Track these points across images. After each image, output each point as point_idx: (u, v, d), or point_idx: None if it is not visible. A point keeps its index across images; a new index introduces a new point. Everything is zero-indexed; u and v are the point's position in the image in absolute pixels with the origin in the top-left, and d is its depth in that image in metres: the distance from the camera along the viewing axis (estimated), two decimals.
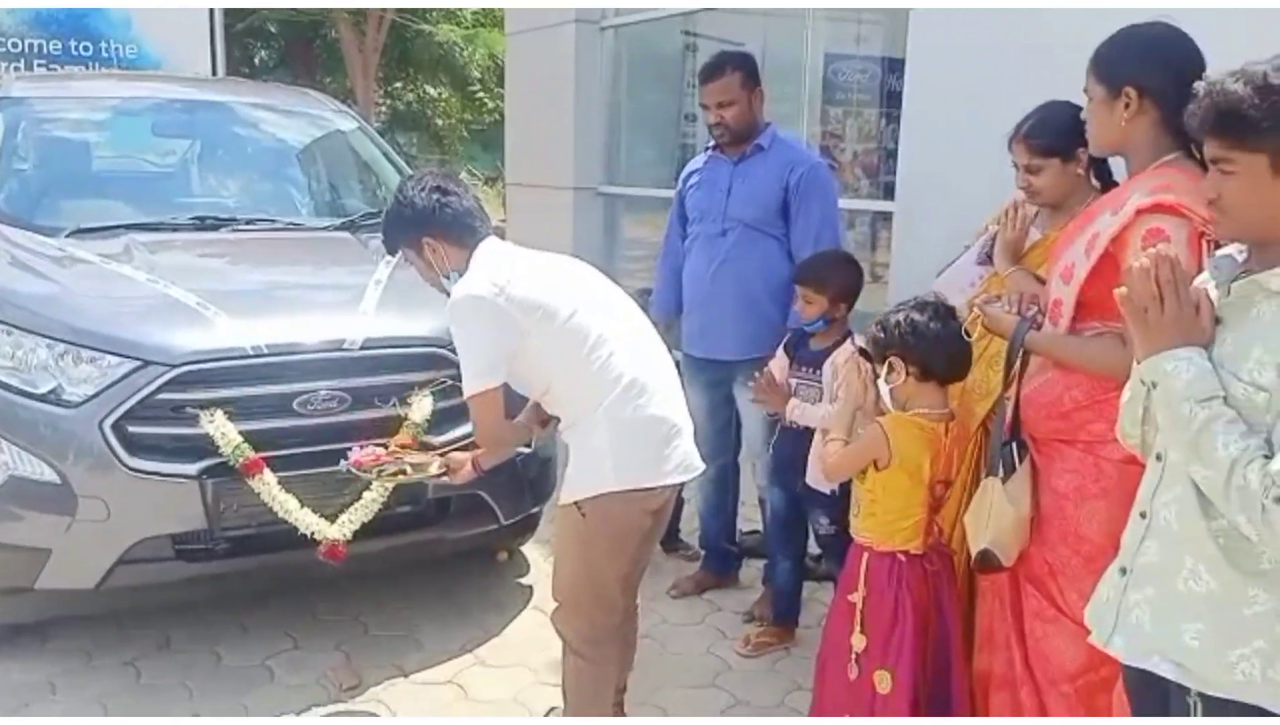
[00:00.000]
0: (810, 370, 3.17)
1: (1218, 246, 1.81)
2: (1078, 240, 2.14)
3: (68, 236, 3.53)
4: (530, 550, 4.10)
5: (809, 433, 3.11)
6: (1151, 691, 1.69)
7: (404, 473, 2.89)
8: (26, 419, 2.86)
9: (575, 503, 2.44)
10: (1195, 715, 1.59)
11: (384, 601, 3.66)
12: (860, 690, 2.40)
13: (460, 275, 2.50)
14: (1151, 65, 2.07)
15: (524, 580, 3.95)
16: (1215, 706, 1.57)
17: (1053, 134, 2.54)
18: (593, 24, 8.68)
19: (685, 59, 8.81)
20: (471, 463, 2.79)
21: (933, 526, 2.44)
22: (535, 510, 3.71)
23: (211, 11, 9.20)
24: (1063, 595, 2.17)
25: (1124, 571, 1.72)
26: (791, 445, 3.21)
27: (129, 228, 3.65)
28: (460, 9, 18.98)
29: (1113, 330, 2.08)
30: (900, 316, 2.45)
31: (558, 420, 2.58)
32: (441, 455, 2.90)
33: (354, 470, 2.83)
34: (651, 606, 3.70)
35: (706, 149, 3.76)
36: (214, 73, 9.08)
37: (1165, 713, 1.67)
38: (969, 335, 2.41)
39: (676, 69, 8.89)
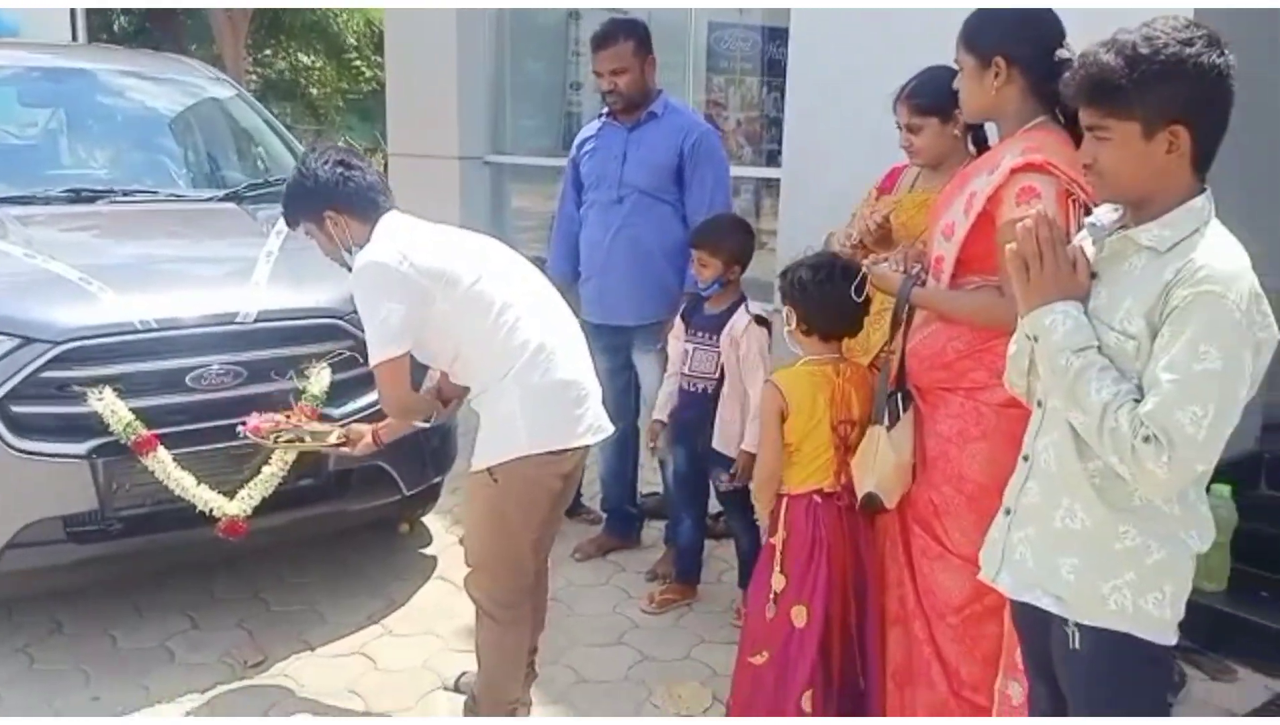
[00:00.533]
0: (707, 334, 3.26)
1: (1086, 206, 1.96)
2: (956, 200, 2.26)
3: None
4: (431, 521, 4.10)
5: (710, 395, 3.22)
6: (1036, 623, 1.83)
7: (302, 441, 2.88)
8: None
9: (487, 468, 2.47)
10: (1073, 643, 1.73)
11: (284, 577, 3.62)
12: (777, 626, 2.51)
13: (360, 248, 2.49)
14: (1018, 36, 2.21)
15: (427, 551, 3.95)
16: (1091, 635, 1.71)
17: (933, 95, 2.69)
18: None
19: (569, 27, 8.79)
20: (372, 435, 2.80)
21: (844, 466, 2.54)
22: (437, 480, 3.71)
23: None
24: (947, 534, 2.31)
25: (1008, 512, 1.85)
26: (692, 407, 3.31)
27: None
28: None
29: (991, 284, 2.22)
30: (797, 272, 2.57)
31: (459, 401, 2.61)
32: (342, 426, 2.89)
33: (252, 437, 2.81)
34: (557, 570, 3.74)
35: (600, 116, 3.79)
36: (74, 39, 8.66)
37: (1048, 643, 1.81)
38: (859, 294, 2.52)
39: (561, 37, 8.86)
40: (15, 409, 2.77)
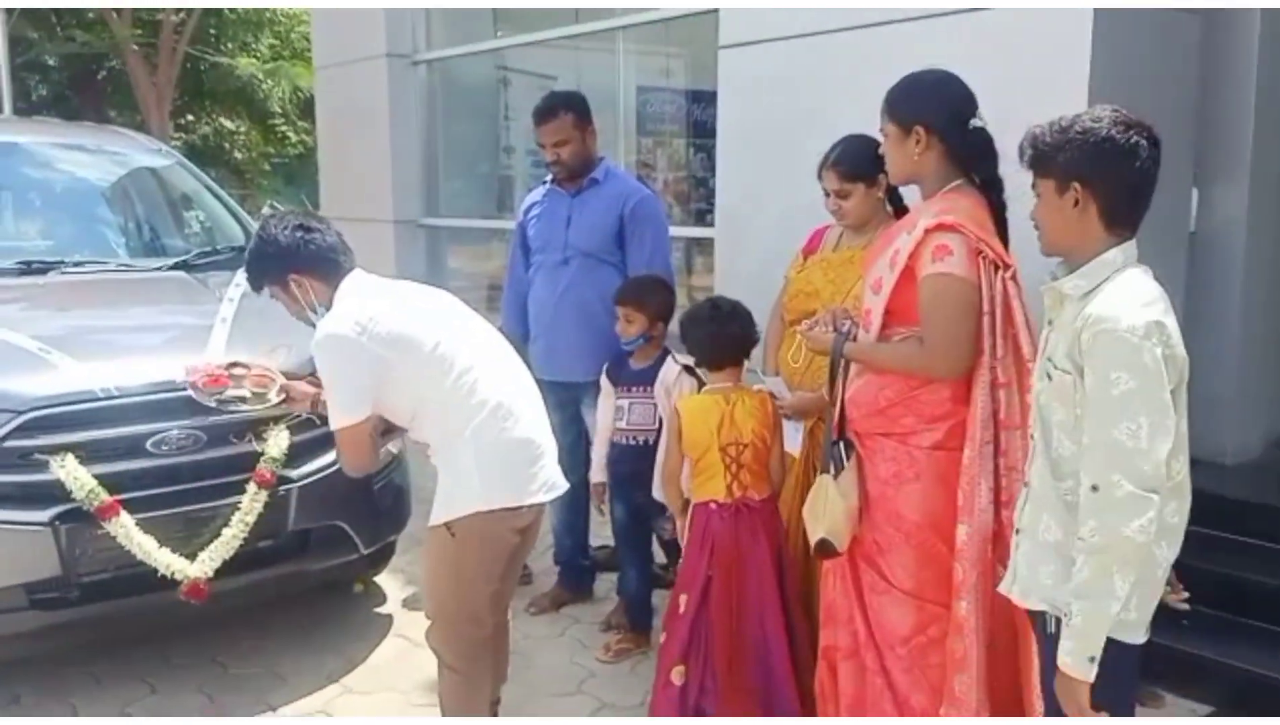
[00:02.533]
0: (640, 388, 3.45)
1: (995, 262, 2.21)
2: (882, 257, 2.47)
3: None
4: (385, 579, 4.15)
5: (649, 447, 3.37)
6: (1038, 625, 2.05)
7: (243, 399, 2.96)
8: None
9: (445, 523, 2.55)
10: (1050, 628, 1.94)
11: (240, 639, 3.63)
12: (672, 614, 2.95)
13: (327, 309, 2.58)
14: (936, 106, 2.44)
15: (382, 609, 3.99)
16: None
17: (857, 163, 2.92)
18: (404, 58, 8.73)
19: (500, 92, 8.99)
20: (313, 402, 2.87)
21: (736, 483, 2.90)
22: (392, 539, 3.78)
23: None
24: (891, 570, 2.47)
25: (1018, 531, 2.07)
26: (628, 461, 3.47)
27: None
28: (257, 38, 18.48)
29: (914, 335, 2.41)
30: (685, 320, 3.03)
31: (402, 429, 2.69)
32: (281, 386, 2.98)
33: (193, 393, 2.86)
34: (513, 623, 3.82)
35: (544, 182, 3.95)
36: (0, 110, 8.60)
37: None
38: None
39: (492, 102, 9.05)
40: None
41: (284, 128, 19.43)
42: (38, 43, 16.79)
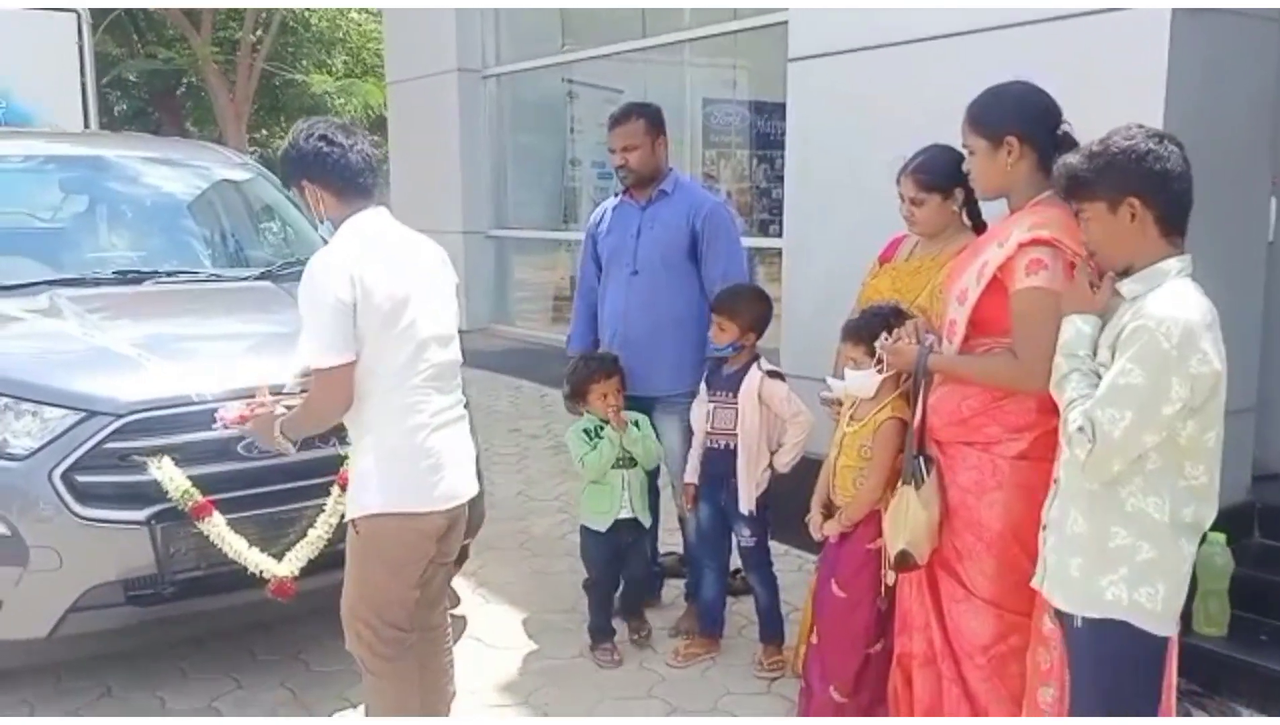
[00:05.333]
0: (726, 393, 3.46)
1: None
2: (970, 268, 2.47)
3: None
4: (459, 583, 4.23)
5: (732, 451, 3.40)
6: (1066, 625, 2.11)
7: None
8: None
9: (351, 520, 2.58)
10: (1076, 624, 2.03)
11: (322, 638, 3.72)
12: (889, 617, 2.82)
13: (335, 226, 2.58)
14: (1025, 116, 2.46)
15: (456, 611, 4.07)
16: (1093, 626, 2.02)
17: (936, 173, 2.93)
18: (474, 73, 8.90)
19: (566, 105, 9.11)
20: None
21: None
22: (467, 542, 3.84)
23: (82, 62, 9.04)
24: (970, 578, 2.48)
25: (1044, 527, 2.13)
26: (715, 464, 3.48)
27: (51, 284, 3.67)
28: (330, 55, 18.92)
29: (1001, 346, 2.42)
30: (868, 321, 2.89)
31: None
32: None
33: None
34: (582, 628, 3.89)
35: (615, 194, 4.02)
36: (85, 125, 8.92)
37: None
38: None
39: (559, 115, 9.18)
40: (80, 478, 2.93)
41: None
42: (120, 60, 17.37)
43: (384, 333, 2.46)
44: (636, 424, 3.62)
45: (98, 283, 3.79)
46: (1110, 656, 2.01)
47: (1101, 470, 1.96)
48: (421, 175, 9.36)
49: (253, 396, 2.76)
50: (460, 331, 2.78)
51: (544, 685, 3.49)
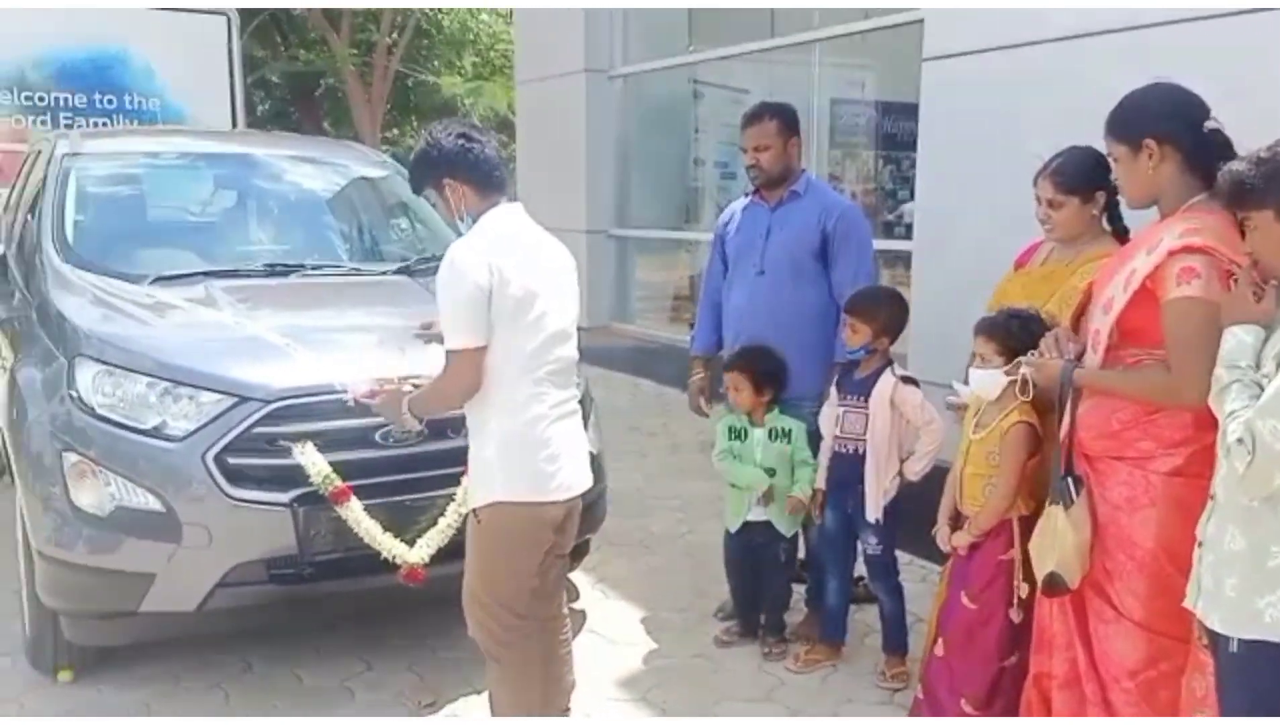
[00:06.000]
0: (856, 397, 3.41)
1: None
2: (1117, 276, 2.38)
3: (151, 283, 3.75)
4: (579, 578, 4.29)
5: (861, 456, 3.36)
6: (1220, 647, 2.01)
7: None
8: (131, 453, 3.06)
9: (473, 509, 2.65)
10: (1231, 647, 1.94)
11: (449, 626, 3.80)
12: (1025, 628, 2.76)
13: (473, 221, 2.67)
14: (1163, 116, 2.36)
15: (576, 605, 4.12)
16: (1249, 648, 1.92)
17: (1075, 175, 2.84)
18: (601, 73, 8.98)
19: (692, 105, 9.13)
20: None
21: None
22: (588, 536, 3.90)
23: (231, 63, 9.48)
24: (1120, 598, 2.38)
25: (1199, 545, 2.04)
26: (843, 469, 3.44)
27: (206, 275, 3.87)
28: (460, 57, 19.41)
29: (1154, 357, 2.32)
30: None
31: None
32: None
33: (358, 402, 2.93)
34: (700, 627, 3.90)
35: (746, 194, 4.01)
36: (234, 124, 9.35)
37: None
38: (1024, 393, 2.69)
39: (684, 115, 9.21)
40: (231, 460, 3.07)
41: None
42: (265, 61, 18.17)
43: (515, 323, 2.54)
44: (787, 436, 3.59)
45: (248, 275, 3.97)
46: (1267, 680, 1.91)
47: (1261, 484, 1.86)
48: (547, 174, 9.51)
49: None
50: (580, 329, 2.83)
51: (662, 683, 3.50)
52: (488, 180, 2.68)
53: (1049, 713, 2.54)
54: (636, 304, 9.48)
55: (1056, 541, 2.40)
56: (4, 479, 4.49)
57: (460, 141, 2.67)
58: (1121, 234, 2.91)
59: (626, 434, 6.78)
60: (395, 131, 21.44)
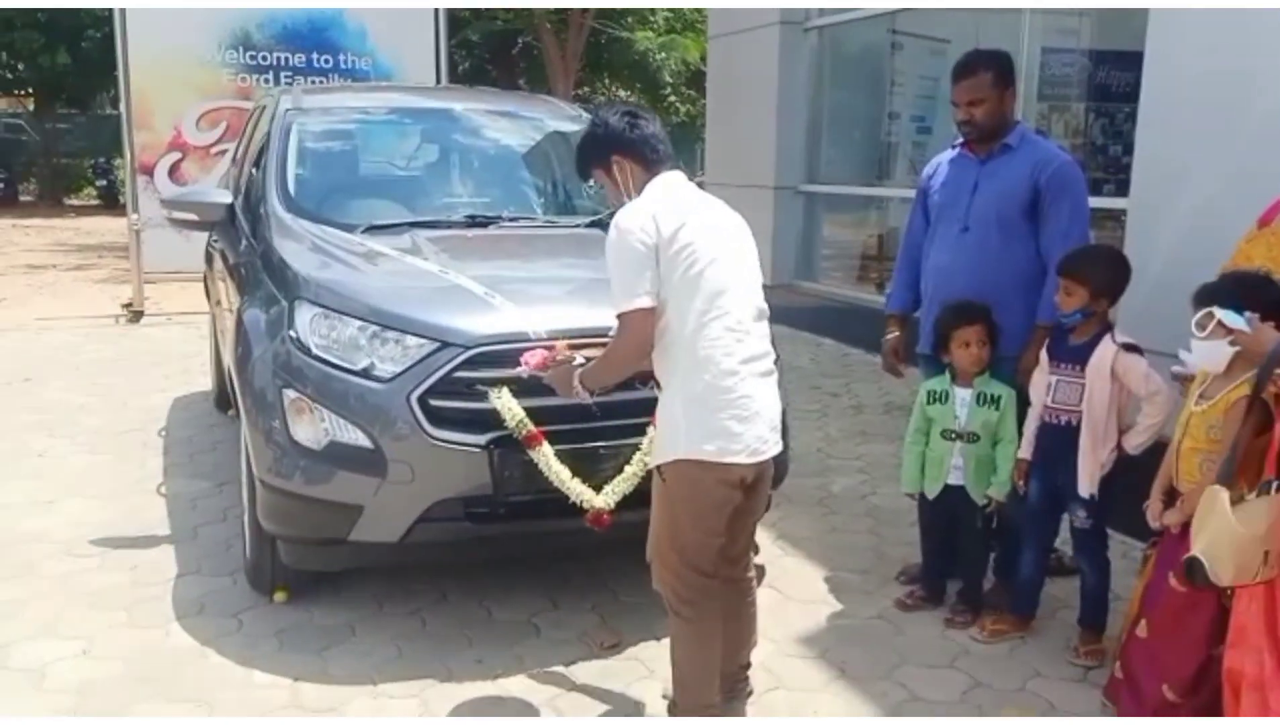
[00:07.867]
0: (1071, 366, 3.23)
1: None
2: None
3: (363, 232, 3.96)
4: (760, 532, 4.28)
5: (1074, 427, 3.19)
6: None
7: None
8: (343, 391, 3.25)
9: (657, 466, 2.65)
10: None
11: (628, 572, 3.90)
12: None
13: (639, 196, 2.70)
14: None
15: (756, 560, 4.12)
16: None
17: None
18: (796, 25, 8.81)
19: (889, 57, 8.83)
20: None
21: None
22: (770, 491, 3.87)
23: (437, 25, 9.85)
24: None
25: None
26: (1057, 439, 3.27)
27: (411, 225, 4.06)
28: (654, 11, 19.44)
29: None
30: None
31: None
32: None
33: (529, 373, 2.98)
34: (882, 590, 3.84)
35: (953, 146, 3.83)
36: (438, 81, 9.72)
37: None
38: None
39: (879, 67, 8.92)
40: (432, 402, 3.22)
41: (673, 98, 20.36)
42: (467, 21, 18.75)
43: (685, 279, 2.56)
44: (995, 402, 3.47)
45: (450, 226, 4.14)
46: None
47: None
48: (737, 129, 9.44)
49: (576, 338, 2.95)
50: (764, 286, 2.81)
51: (842, 641, 3.48)
52: (655, 153, 2.74)
53: (1238, 709, 2.36)
54: (822, 262, 9.33)
55: (1210, 523, 2.22)
56: (230, 413, 4.88)
57: (627, 119, 2.76)
58: None
59: (808, 393, 6.72)
60: (587, 90, 21.76)
